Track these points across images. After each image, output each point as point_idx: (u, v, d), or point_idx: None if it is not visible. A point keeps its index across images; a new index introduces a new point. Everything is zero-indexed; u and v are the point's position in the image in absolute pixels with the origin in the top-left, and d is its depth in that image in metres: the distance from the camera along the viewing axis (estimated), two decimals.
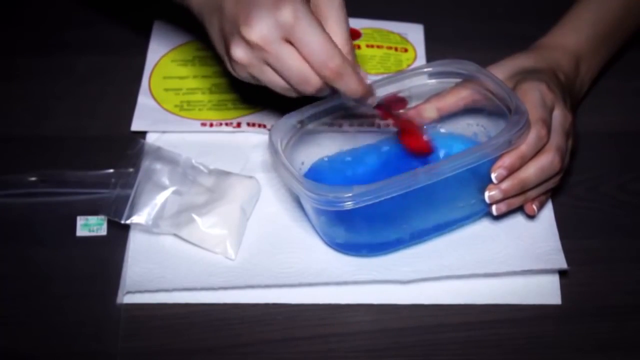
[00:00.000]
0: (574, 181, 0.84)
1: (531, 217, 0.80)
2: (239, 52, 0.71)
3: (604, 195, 0.84)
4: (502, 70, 0.82)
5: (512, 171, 0.75)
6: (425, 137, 0.79)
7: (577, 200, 0.84)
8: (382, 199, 0.72)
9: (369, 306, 0.76)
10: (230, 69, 0.74)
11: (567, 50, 0.86)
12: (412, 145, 0.80)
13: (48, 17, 1.02)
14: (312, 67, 0.70)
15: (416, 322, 0.75)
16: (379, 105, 0.78)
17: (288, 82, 0.72)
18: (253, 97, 0.90)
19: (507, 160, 0.75)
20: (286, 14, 0.68)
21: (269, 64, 0.71)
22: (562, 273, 0.77)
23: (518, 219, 0.80)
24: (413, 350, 0.73)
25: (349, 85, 0.72)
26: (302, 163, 0.81)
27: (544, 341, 0.74)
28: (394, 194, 0.72)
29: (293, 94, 0.74)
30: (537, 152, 0.76)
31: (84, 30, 1.00)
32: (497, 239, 0.79)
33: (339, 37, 0.72)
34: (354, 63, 0.73)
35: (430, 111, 0.82)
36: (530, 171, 0.76)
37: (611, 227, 0.82)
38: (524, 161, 0.75)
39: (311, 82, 0.71)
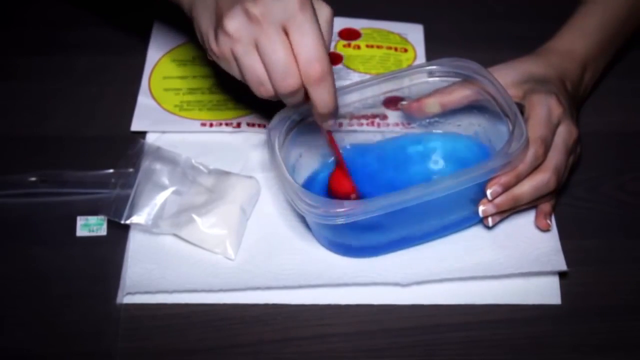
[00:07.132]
0: (574, 181, 0.84)
1: (546, 231, 0.79)
2: (234, 24, 0.68)
3: (604, 195, 0.84)
4: (509, 74, 0.82)
5: (507, 189, 0.76)
6: (350, 182, 0.78)
7: (577, 200, 0.84)
8: (375, 215, 0.72)
9: (369, 306, 0.76)
10: (213, 45, 0.71)
11: (575, 57, 0.85)
12: (336, 185, 0.79)
13: (48, 17, 1.02)
14: (298, 63, 0.69)
15: (416, 322, 0.75)
16: (330, 132, 0.77)
17: (268, 72, 0.70)
18: (253, 98, 0.90)
19: (503, 178, 0.75)
20: (293, 2, 0.68)
21: (257, 45, 0.69)
22: (562, 273, 0.77)
23: (517, 220, 0.80)
24: (413, 350, 0.74)
25: (324, 95, 0.70)
26: (300, 156, 0.81)
27: (543, 341, 0.74)
28: (387, 211, 0.72)
29: (265, 90, 0.71)
30: (534, 169, 0.76)
31: (84, 30, 1.00)
32: (497, 241, 0.79)
33: None
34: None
35: (433, 106, 0.82)
36: (525, 189, 0.76)
37: (611, 227, 0.82)
38: (519, 179, 0.76)
39: (290, 79, 0.69)
